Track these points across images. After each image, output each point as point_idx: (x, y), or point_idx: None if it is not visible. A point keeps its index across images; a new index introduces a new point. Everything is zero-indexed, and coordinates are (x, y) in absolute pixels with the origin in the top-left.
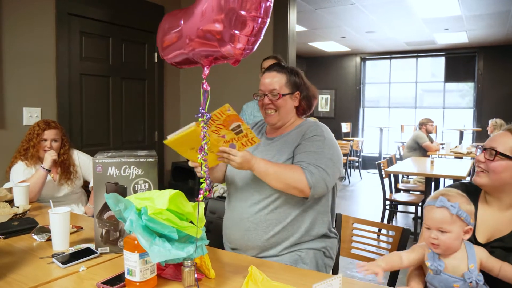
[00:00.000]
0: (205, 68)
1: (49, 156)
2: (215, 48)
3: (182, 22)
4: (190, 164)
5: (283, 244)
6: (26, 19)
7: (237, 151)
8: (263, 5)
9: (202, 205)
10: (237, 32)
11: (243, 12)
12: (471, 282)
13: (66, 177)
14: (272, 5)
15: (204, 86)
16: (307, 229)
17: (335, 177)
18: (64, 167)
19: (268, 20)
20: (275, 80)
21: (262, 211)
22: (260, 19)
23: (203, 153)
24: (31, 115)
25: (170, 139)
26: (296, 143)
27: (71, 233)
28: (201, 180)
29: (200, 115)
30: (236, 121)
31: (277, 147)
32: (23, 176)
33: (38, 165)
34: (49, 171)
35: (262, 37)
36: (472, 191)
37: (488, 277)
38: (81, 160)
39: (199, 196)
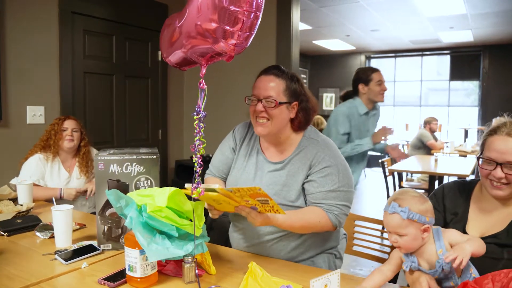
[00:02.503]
0: (203, 67)
1: (73, 193)
2: (209, 45)
3: (177, 22)
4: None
5: (297, 258)
6: (29, 17)
7: (257, 214)
8: (255, 1)
9: (202, 204)
10: (228, 28)
11: (234, 8)
12: (443, 269)
13: (84, 170)
14: (263, 1)
15: (201, 84)
16: (321, 245)
17: (351, 202)
18: (85, 161)
19: (261, 15)
20: (272, 86)
21: (275, 234)
22: (252, 14)
23: (196, 149)
24: (34, 114)
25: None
26: (303, 175)
27: (74, 230)
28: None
29: (195, 113)
30: (265, 197)
31: (282, 178)
32: (35, 170)
33: (57, 158)
34: (60, 198)
35: (255, 32)
36: (466, 189)
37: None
38: None
39: (192, 195)
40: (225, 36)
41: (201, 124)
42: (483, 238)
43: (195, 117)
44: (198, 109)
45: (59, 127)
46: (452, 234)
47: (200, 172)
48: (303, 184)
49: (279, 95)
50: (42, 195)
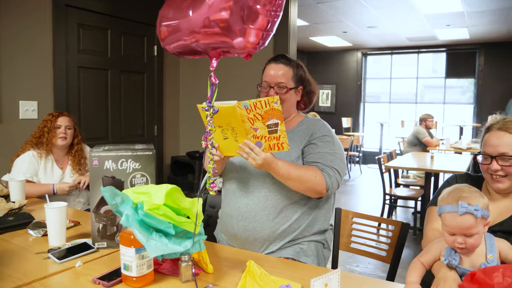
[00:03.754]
0: (213, 60)
1: (66, 188)
2: (226, 39)
3: (190, 12)
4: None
5: (284, 240)
6: (22, 10)
7: (261, 151)
8: (277, 1)
9: (200, 201)
10: (250, 26)
11: (257, 6)
12: None
13: (77, 168)
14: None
15: (212, 79)
16: (309, 225)
17: (343, 176)
18: (78, 158)
19: (281, 14)
20: (282, 73)
21: (272, 210)
22: (273, 13)
23: (209, 146)
24: (27, 109)
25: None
26: (305, 141)
27: (68, 228)
28: (209, 175)
29: (206, 108)
30: (277, 119)
31: None
32: (28, 166)
33: (50, 156)
34: (53, 193)
35: (274, 31)
36: (475, 182)
37: None
38: None
39: (210, 190)
40: (244, 34)
41: (212, 119)
42: (490, 227)
43: (206, 112)
44: (209, 104)
45: (52, 124)
46: (503, 244)
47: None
48: (303, 148)
49: (288, 81)
50: (35, 192)
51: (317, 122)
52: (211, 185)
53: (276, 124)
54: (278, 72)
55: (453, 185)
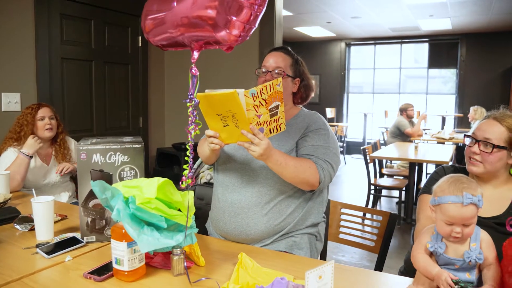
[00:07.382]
0: (195, 52)
1: (35, 143)
2: (209, 33)
3: (175, 4)
4: (208, 132)
5: (278, 234)
6: (3, 0)
7: (264, 136)
8: None
9: (191, 193)
10: (233, 18)
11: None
12: (470, 261)
13: (60, 159)
14: None
15: (193, 70)
16: (302, 218)
17: (336, 170)
18: (62, 148)
19: (265, 7)
20: (281, 59)
21: (266, 205)
22: (257, 6)
23: (191, 131)
24: (10, 101)
25: (204, 93)
26: (299, 134)
27: (55, 222)
28: (185, 167)
29: (188, 100)
30: (278, 101)
31: (277, 135)
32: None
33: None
34: (30, 157)
35: (257, 25)
36: (461, 173)
37: None
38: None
39: (181, 183)
40: (229, 26)
41: (195, 111)
42: (484, 219)
43: (188, 104)
44: (191, 96)
45: (33, 118)
46: (485, 237)
47: (192, 160)
48: (298, 140)
49: (286, 68)
50: (16, 170)
51: (313, 115)
52: (183, 178)
53: (277, 106)
54: (278, 59)
55: (443, 176)
